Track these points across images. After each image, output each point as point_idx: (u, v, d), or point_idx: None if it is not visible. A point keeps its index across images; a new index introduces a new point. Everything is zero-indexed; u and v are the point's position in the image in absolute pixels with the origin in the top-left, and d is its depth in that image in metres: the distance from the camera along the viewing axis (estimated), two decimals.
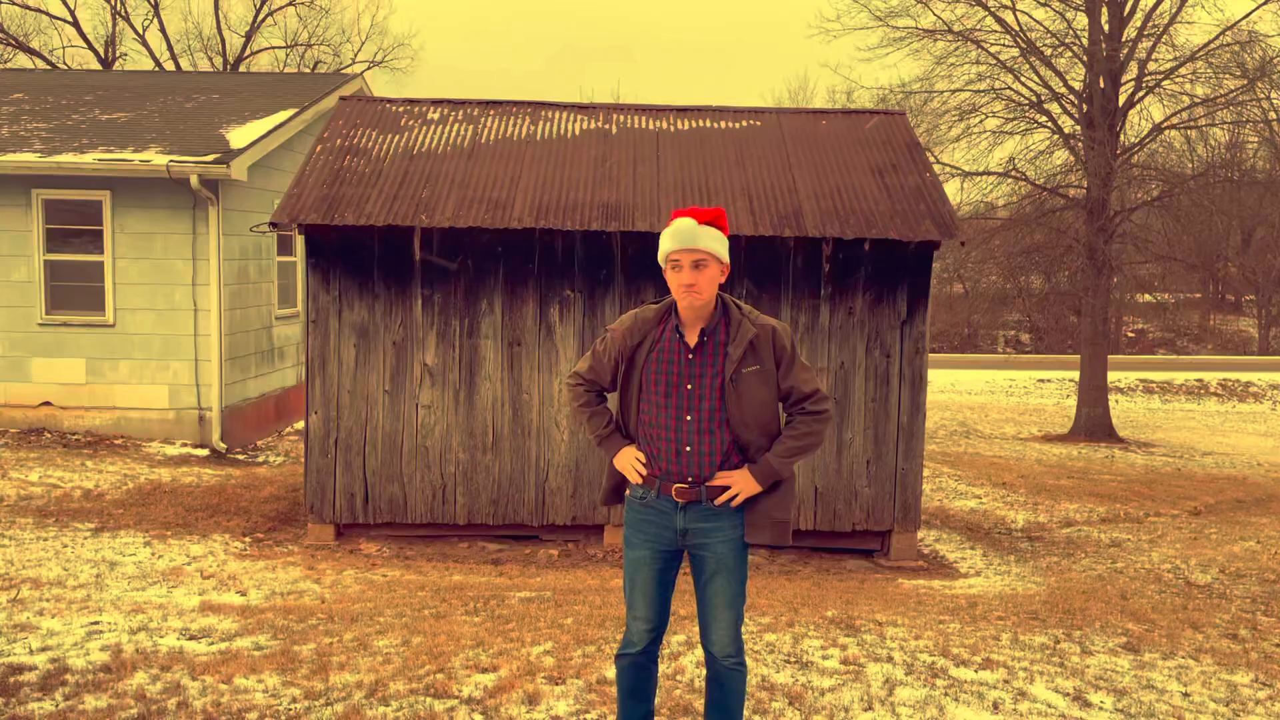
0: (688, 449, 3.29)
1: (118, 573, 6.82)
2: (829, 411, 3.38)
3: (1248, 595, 7.46)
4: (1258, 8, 17.69)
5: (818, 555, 8.65)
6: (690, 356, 3.30)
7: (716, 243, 3.27)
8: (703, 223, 3.25)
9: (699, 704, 4.18)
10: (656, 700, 4.18)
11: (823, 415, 3.35)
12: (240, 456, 11.46)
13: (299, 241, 12.65)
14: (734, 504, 3.30)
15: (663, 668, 4.64)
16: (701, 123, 9.82)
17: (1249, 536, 9.91)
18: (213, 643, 5.01)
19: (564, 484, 8.46)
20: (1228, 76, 18.19)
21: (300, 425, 13.35)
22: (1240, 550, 9.26)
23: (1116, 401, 23.15)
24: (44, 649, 4.78)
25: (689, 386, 3.28)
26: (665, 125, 9.75)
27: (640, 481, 3.35)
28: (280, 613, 5.72)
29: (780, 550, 8.64)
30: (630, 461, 3.36)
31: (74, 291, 11.32)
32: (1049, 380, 29.10)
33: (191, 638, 5.10)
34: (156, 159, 10.88)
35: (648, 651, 3.44)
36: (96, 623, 5.32)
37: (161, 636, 5.09)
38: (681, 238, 3.23)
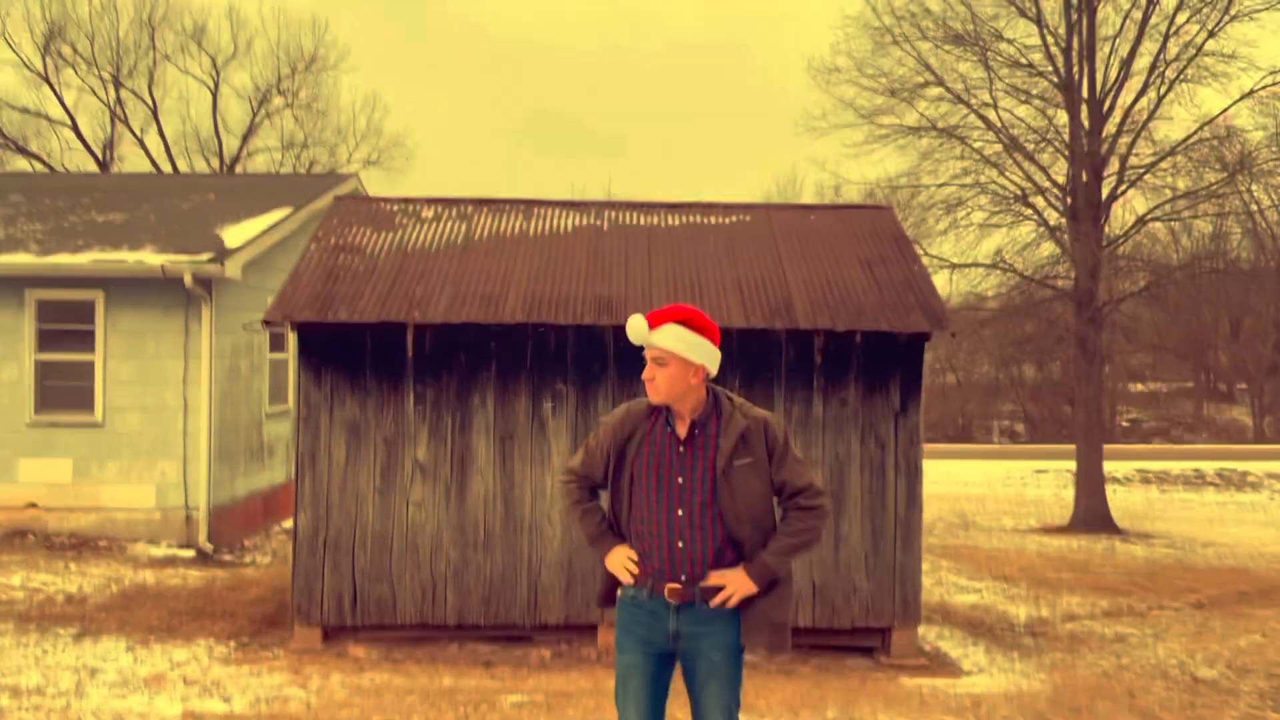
0: (680, 544, 3.21)
1: (99, 680, 6.62)
2: (825, 506, 3.31)
3: (1255, 690, 7.28)
4: (1233, 104, 18.16)
5: (817, 653, 8.45)
6: (680, 449, 3.25)
7: (675, 341, 3.23)
8: (662, 322, 3.24)
9: None
10: None
11: (818, 510, 3.29)
12: (227, 557, 11.27)
13: (291, 338, 12.66)
14: (729, 605, 3.21)
15: None
16: (692, 218, 9.94)
17: (1254, 629, 9.74)
18: None
19: (557, 581, 8.30)
20: (1208, 170, 18.57)
21: (289, 524, 13.17)
22: (1246, 644, 9.08)
23: (1114, 492, 22.98)
24: None
25: (680, 480, 3.22)
26: (657, 221, 9.87)
27: (632, 582, 3.27)
28: None
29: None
30: (622, 561, 3.28)
31: (63, 391, 11.27)
32: (1046, 470, 28.96)
33: None
34: (151, 258, 10.96)
35: None
36: None
37: None
38: (636, 335, 3.26)
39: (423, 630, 8.35)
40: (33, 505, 11.12)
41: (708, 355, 3.27)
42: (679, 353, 3.23)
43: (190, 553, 10.95)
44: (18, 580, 9.23)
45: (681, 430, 3.27)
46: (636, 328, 3.25)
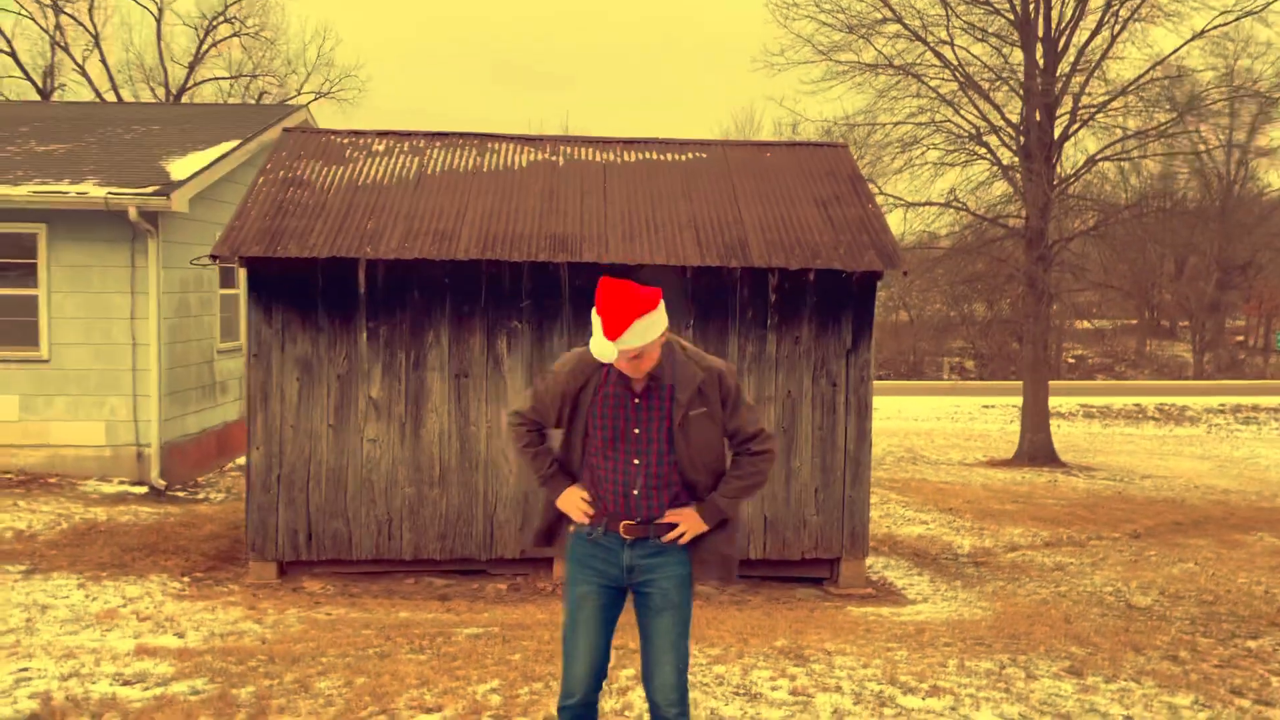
0: (635, 492, 3.28)
1: (49, 616, 6.61)
2: (773, 450, 3.39)
3: (1187, 617, 7.59)
4: (1185, 44, 18.30)
5: (768, 584, 8.66)
6: (636, 401, 3.28)
7: (643, 335, 3.13)
8: (625, 325, 3.09)
9: None
10: None
11: (767, 455, 3.37)
12: (180, 494, 11.21)
13: (241, 274, 12.48)
14: (681, 541, 3.29)
15: (610, 703, 4.60)
16: (648, 155, 9.89)
17: (1187, 558, 10.11)
18: (148, 688, 4.86)
19: (512, 517, 8.38)
20: (1158, 110, 18.77)
21: (243, 461, 13.10)
22: (1179, 572, 9.44)
23: (1058, 426, 23.55)
24: None
25: (636, 431, 3.27)
26: (612, 157, 9.80)
27: (586, 521, 3.33)
28: (219, 655, 5.58)
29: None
30: (575, 501, 3.34)
31: (7, 326, 11.04)
32: (993, 406, 29.57)
33: (125, 683, 4.95)
34: (94, 191, 10.68)
35: (586, 703, 3.37)
36: (25, 669, 5.15)
37: (94, 682, 4.94)
38: (612, 352, 3.13)
39: (379, 565, 8.41)
40: None
41: (663, 322, 3.21)
42: (651, 339, 3.17)
43: (143, 490, 10.87)
44: None
45: (638, 383, 3.28)
46: (605, 352, 3.14)
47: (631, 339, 3.12)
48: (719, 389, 3.30)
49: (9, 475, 10.81)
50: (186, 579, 7.99)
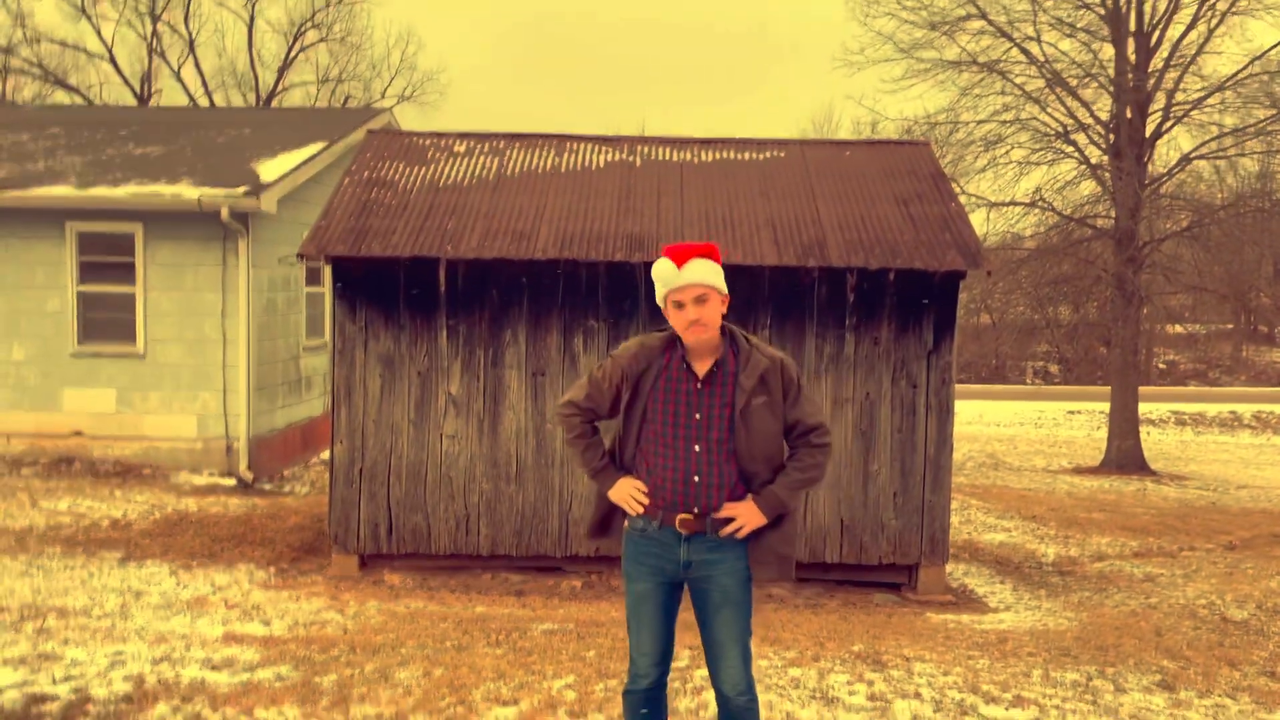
0: (695, 479, 3.25)
1: (143, 602, 6.84)
2: (831, 443, 3.37)
3: None
4: None
5: (844, 588, 8.55)
6: (699, 387, 3.26)
7: (713, 274, 3.22)
8: (689, 258, 3.20)
9: None
10: None
11: (826, 448, 3.34)
12: (267, 486, 11.51)
13: (326, 273, 12.78)
14: (739, 535, 3.26)
15: (686, 701, 4.59)
16: (725, 154, 9.85)
17: None
18: (235, 673, 5.00)
19: (587, 514, 8.38)
20: (1257, 106, 18.07)
21: (326, 455, 13.40)
22: (1277, 585, 9.06)
23: (1148, 434, 22.85)
24: (67, 679, 4.78)
25: (697, 417, 3.25)
26: (689, 157, 9.78)
27: (640, 513, 3.31)
28: (303, 643, 5.71)
29: (806, 583, 8.55)
30: (630, 493, 3.31)
31: (105, 323, 11.47)
32: (1079, 412, 28.78)
33: (214, 668, 5.09)
34: (188, 192, 11.04)
35: (656, 686, 3.38)
36: (120, 652, 5.33)
37: (184, 667, 5.09)
38: (671, 277, 3.20)
39: (456, 560, 8.52)
40: (78, 434, 11.39)
41: (723, 282, 3.28)
42: (719, 286, 3.23)
43: (231, 482, 11.20)
44: (64, 505, 9.50)
45: (701, 368, 3.27)
46: (666, 272, 3.19)
47: (697, 271, 3.18)
48: (781, 378, 3.27)
49: (106, 466, 11.23)
50: (272, 569, 8.20)
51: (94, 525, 8.95)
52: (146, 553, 8.24)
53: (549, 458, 8.42)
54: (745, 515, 3.25)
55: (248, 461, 11.39)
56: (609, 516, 3.45)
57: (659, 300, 3.27)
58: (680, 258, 3.20)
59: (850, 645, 5.95)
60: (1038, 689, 5.14)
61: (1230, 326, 45.56)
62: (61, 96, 30.69)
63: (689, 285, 3.18)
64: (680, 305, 3.21)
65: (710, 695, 4.68)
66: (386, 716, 4.32)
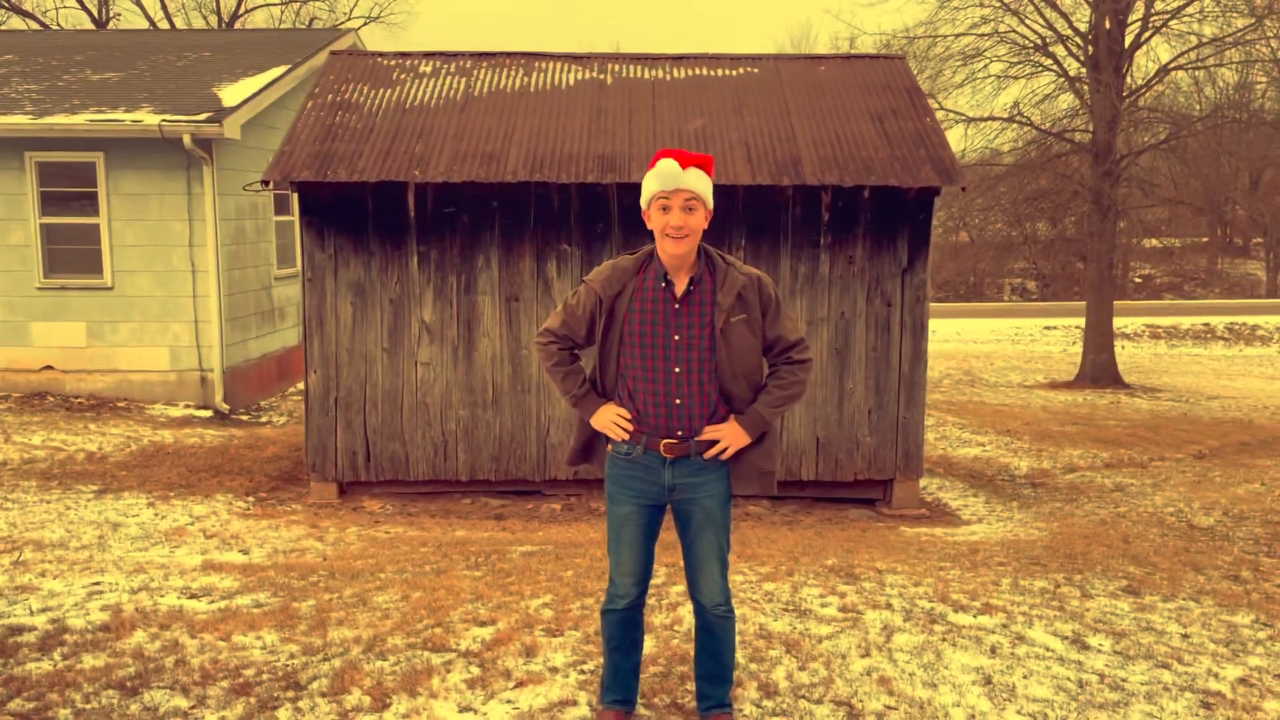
0: (678, 401, 3.23)
1: (120, 534, 6.85)
2: (811, 360, 3.35)
3: (1250, 537, 7.45)
4: None
5: (820, 505, 8.66)
6: (677, 306, 3.22)
7: (705, 184, 3.17)
8: (690, 165, 3.16)
9: None
10: (655, 650, 4.19)
11: (807, 364, 3.32)
12: (243, 417, 11.48)
13: (295, 200, 12.58)
14: (723, 457, 3.26)
15: (660, 618, 4.65)
16: (698, 71, 9.67)
17: (1253, 479, 9.90)
18: (213, 601, 5.02)
19: (565, 438, 8.44)
20: (1236, 15, 17.86)
21: (303, 385, 13.37)
22: (1244, 493, 9.24)
23: (1123, 347, 23.07)
24: (44, 610, 4.80)
25: (676, 337, 3.21)
26: (661, 74, 9.61)
27: (624, 439, 3.30)
28: (281, 570, 5.74)
29: (783, 500, 8.65)
30: (612, 418, 3.29)
31: (72, 254, 11.28)
32: (1055, 327, 28.99)
33: (192, 596, 5.12)
34: (148, 119, 10.78)
35: (634, 605, 3.42)
36: (98, 583, 5.34)
37: (162, 596, 5.11)
38: (670, 178, 3.12)
39: (435, 485, 8.56)
40: (49, 368, 11.28)
41: (711, 195, 3.24)
42: (707, 197, 3.19)
43: (207, 413, 11.15)
44: (39, 439, 9.45)
45: (679, 286, 3.23)
46: (669, 170, 3.12)
47: (695, 178, 3.14)
48: (759, 295, 3.24)
49: (80, 400, 11.15)
50: (251, 499, 8.21)
51: (69, 459, 8.92)
52: (123, 485, 8.23)
53: (525, 383, 8.41)
54: (729, 436, 3.24)
55: (223, 393, 11.33)
56: (591, 443, 3.43)
57: (643, 202, 3.20)
58: (683, 162, 3.15)
59: (824, 559, 6.04)
60: (1006, 597, 5.24)
61: (1205, 240, 45.76)
62: (17, 23, 29.73)
63: (685, 190, 3.13)
64: (667, 209, 3.15)
65: (685, 611, 4.75)
66: (364, 639, 4.36)
